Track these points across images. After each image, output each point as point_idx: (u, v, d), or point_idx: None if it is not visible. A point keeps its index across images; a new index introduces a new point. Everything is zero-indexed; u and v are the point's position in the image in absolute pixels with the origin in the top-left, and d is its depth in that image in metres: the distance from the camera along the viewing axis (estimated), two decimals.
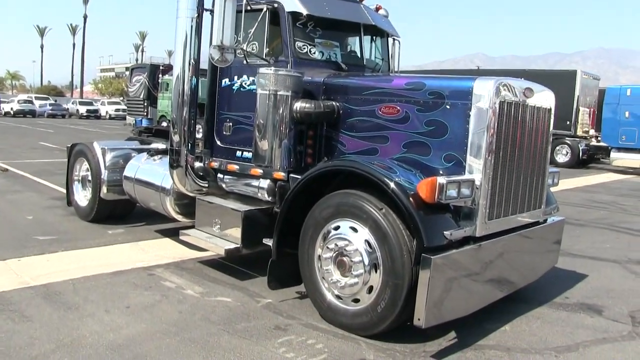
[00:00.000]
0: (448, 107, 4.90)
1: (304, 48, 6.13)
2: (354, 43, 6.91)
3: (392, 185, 4.55)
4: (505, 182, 5.05)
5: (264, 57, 5.97)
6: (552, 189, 6.33)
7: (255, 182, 6.27)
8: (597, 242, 9.34)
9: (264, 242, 5.71)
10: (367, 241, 4.71)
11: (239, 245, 5.98)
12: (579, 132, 25.66)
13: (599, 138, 25.47)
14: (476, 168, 4.74)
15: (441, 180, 4.40)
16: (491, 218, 4.92)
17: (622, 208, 13.51)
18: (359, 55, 6.80)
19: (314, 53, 6.23)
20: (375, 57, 7.14)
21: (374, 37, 7.13)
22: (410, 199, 4.46)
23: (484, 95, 4.70)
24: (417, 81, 5.15)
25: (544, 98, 5.44)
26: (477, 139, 4.72)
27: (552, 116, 5.65)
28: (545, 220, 6.02)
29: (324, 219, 5.05)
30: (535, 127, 5.34)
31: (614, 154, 23.61)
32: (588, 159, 25.71)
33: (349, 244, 4.82)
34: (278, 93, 5.47)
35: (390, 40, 7.38)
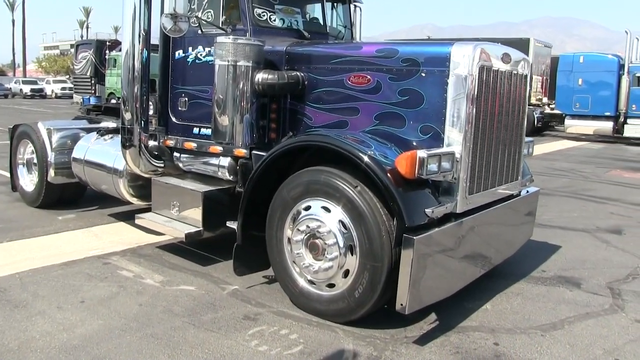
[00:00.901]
0: (423, 74, 4.55)
1: (264, 15, 5.67)
2: (315, 10, 6.48)
3: (367, 160, 4.19)
4: (485, 153, 4.77)
5: (220, 25, 5.50)
6: None
7: (214, 161, 5.85)
8: (564, 211, 9.28)
9: (227, 225, 5.32)
10: (341, 222, 4.37)
11: (199, 229, 5.59)
12: (533, 100, 25.89)
13: (553, 106, 25.77)
14: (455, 140, 4.43)
15: (421, 154, 4.07)
16: (471, 192, 4.64)
17: (582, 175, 13.59)
18: (321, 22, 6.39)
19: (274, 20, 5.78)
20: (337, 25, 6.74)
21: (335, 4, 6.72)
22: (389, 174, 4.12)
23: (463, 61, 4.37)
24: (389, 48, 4.78)
25: (520, 64, 5.15)
26: (456, 109, 4.40)
27: (528, 83, 5.39)
28: (520, 192, 5.80)
29: (292, 198, 4.68)
30: (513, 94, 5.06)
31: (568, 121, 23.95)
32: (543, 126, 26.02)
33: (321, 225, 4.47)
34: (238, 64, 5.03)
35: (351, 7, 6.99)
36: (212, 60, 5.40)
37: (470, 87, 4.37)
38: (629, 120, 22.98)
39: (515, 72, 5.04)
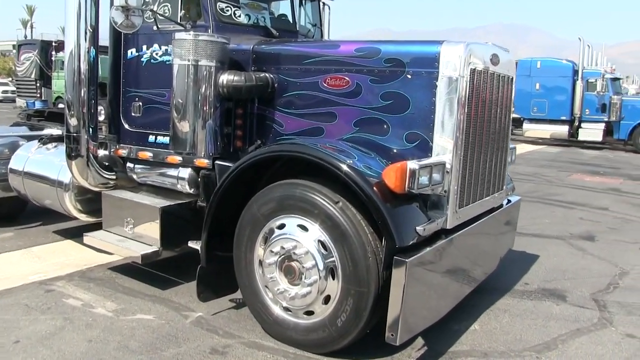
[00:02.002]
0: (409, 76, 4.10)
1: (227, 10, 5.13)
2: (281, 6, 5.98)
3: (351, 172, 3.71)
4: (474, 163, 4.36)
5: (178, 21, 4.93)
6: None
7: (173, 172, 5.26)
8: (536, 218, 9.03)
9: (189, 245, 4.76)
10: (320, 242, 3.88)
11: (157, 248, 5.02)
12: None
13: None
14: (445, 148, 3.99)
15: (412, 165, 3.61)
16: (461, 205, 4.23)
17: (546, 180, 13.45)
18: (290, 19, 5.88)
19: (239, 16, 5.24)
20: (306, 23, 6.26)
21: (304, 1, 6.24)
22: (375, 188, 3.65)
23: (454, 62, 3.94)
24: (371, 46, 4.31)
25: (508, 65, 4.77)
26: (446, 114, 3.97)
27: (514, 86, 5.03)
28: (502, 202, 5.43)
29: (264, 215, 4.16)
30: (501, 98, 4.68)
31: (526, 125, 24.07)
32: None
33: (297, 245, 3.96)
34: (199, 63, 4.48)
35: (321, 4, 6.53)
36: (169, 60, 4.86)
37: (461, 91, 3.95)
38: (583, 125, 23.29)
39: (504, 74, 4.66)
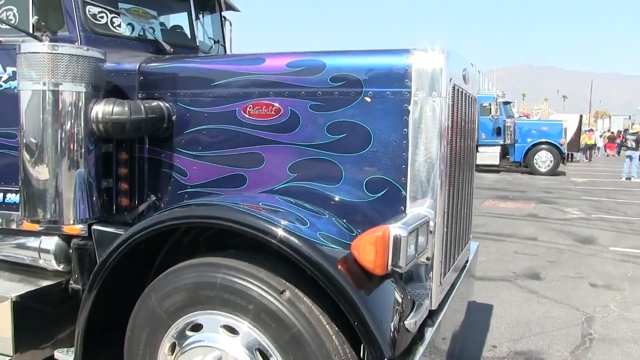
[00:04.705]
0: (368, 99, 2.92)
1: (102, 17, 3.73)
2: (178, 16, 4.67)
3: (306, 249, 2.42)
4: (454, 212, 3.26)
5: (30, 31, 3.47)
6: None
7: (33, 242, 3.73)
8: None
9: (56, 356, 3.27)
10: (258, 350, 2.57)
11: (9, 357, 3.46)
12: None
13: None
14: (425, 198, 2.84)
15: (397, 231, 2.39)
16: (444, 274, 3.09)
17: None
18: (187, 33, 4.56)
19: (119, 26, 3.85)
20: (206, 39, 4.98)
21: (203, 11, 4.97)
22: (343, 270, 2.40)
23: (432, 77, 2.81)
24: (310, 60, 3.07)
25: (475, 83, 3.78)
26: (425, 150, 2.82)
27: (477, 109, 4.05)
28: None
29: (168, 312, 2.77)
30: (470, 124, 3.64)
31: None
32: None
33: (223, 356, 2.62)
34: (61, 88, 3.06)
35: (222, 18, 5.30)
36: (17, 87, 3.39)
37: (444, 116, 2.82)
38: (480, 149, 23.53)
39: (472, 95, 3.64)
